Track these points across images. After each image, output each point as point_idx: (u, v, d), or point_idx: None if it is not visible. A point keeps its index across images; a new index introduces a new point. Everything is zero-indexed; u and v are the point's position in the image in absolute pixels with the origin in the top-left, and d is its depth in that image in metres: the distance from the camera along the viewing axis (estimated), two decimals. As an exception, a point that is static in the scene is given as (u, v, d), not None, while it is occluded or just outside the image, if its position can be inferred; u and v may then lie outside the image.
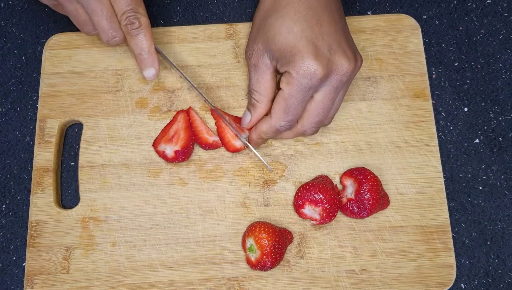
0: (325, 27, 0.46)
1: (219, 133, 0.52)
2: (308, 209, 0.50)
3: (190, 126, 0.52)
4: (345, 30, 0.49)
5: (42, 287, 0.50)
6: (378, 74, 0.55)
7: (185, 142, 0.51)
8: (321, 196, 0.49)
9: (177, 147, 0.51)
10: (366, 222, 0.51)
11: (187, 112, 0.53)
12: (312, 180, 0.51)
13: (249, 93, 0.50)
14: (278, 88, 0.48)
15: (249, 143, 0.52)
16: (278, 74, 0.49)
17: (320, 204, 0.49)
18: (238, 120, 0.53)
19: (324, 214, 0.49)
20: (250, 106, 0.50)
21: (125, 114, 0.54)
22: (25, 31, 0.58)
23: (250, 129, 0.51)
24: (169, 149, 0.51)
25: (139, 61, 0.51)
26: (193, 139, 0.52)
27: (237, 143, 0.52)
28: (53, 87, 0.55)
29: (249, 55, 0.49)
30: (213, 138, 0.52)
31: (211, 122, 0.54)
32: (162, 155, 0.52)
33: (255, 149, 0.52)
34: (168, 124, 0.53)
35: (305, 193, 0.49)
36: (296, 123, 0.49)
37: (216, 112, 0.53)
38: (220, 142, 0.52)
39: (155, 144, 0.52)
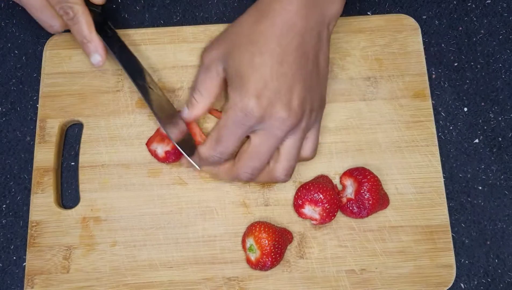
0: (286, 68, 0.45)
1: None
2: (308, 209, 0.50)
3: None
4: (309, 77, 0.46)
5: (42, 287, 0.50)
6: (378, 74, 0.55)
7: None
8: (321, 196, 0.49)
9: (168, 148, 0.51)
10: (366, 222, 0.51)
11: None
12: (312, 180, 0.52)
13: (191, 90, 0.49)
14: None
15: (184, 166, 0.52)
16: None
17: (320, 204, 0.49)
18: None
19: (324, 214, 0.49)
20: (188, 103, 0.49)
21: (125, 114, 0.54)
22: (25, 31, 0.58)
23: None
24: (160, 149, 0.51)
25: (83, 48, 0.51)
26: None
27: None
28: (54, 87, 0.55)
29: (205, 55, 0.49)
30: None
31: (210, 123, 0.54)
32: (154, 154, 0.52)
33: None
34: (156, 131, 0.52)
35: (305, 193, 0.50)
36: (233, 163, 0.48)
37: (214, 110, 0.53)
38: None
39: (148, 143, 0.52)
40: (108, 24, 0.53)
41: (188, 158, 0.49)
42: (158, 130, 0.52)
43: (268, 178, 0.49)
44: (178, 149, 0.50)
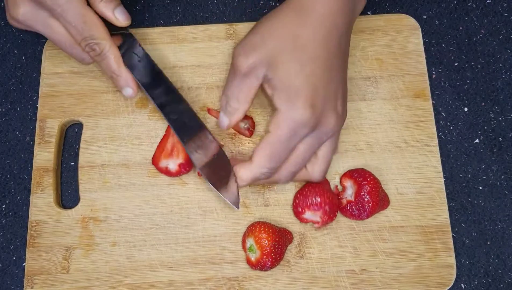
0: (333, 73, 0.45)
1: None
2: (308, 214, 0.50)
3: None
4: (346, 77, 0.47)
5: (42, 287, 0.50)
6: (378, 74, 0.55)
7: (186, 153, 0.51)
8: (319, 199, 0.49)
9: (180, 160, 0.51)
10: (366, 222, 0.51)
11: None
12: (307, 183, 0.51)
13: (226, 98, 0.47)
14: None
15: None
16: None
17: (320, 207, 0.49)
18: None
19: (325, 216, 0.49)
20: (226, 112, 0.47)
21: (125, 114, 0.54)
22: (25, 31, 0.58)
23: None
24: (172, 164, 0.51)
25: (113, 82, 0.50)
26: None
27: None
28: (53, 87, 0.55)
29: (242, 60, 0.45)
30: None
31: (208, 126, 0.54)
32: (165, 171, 0.51)
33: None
34: (162, 139, 0.52)
35: (303, 199, 0.49)
36: None
37: (214, 110, 0.53)
38: (220, 143, 0.52)
39: (155, 162, 0.51)
40: (137, 45, 0.51)
41: (225, 198, 0.48)
42: (159, 146, 0.52)
43: (303, 179, 0.49)
44: (190, 159, 0.49)
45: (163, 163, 0.51)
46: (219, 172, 0.49)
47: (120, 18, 0.48)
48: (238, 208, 0.49)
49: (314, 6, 0.44)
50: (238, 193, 0.48)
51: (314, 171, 0.48)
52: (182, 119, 0.50)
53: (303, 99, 0.43)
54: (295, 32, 0.44)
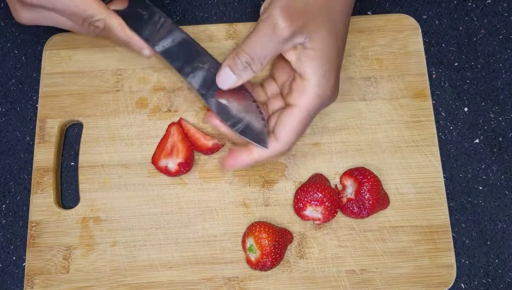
0: (341, 50, 0.45)
1: (190, 137, 0.52)
2: (309, 211, 0.50)
3: (186, 137, 0.52)
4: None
5: (42, 287, 0.50)
6: (378, 74, 0.55)
7: (186, 153, 0.51)
8: (321, 195, 0.49)
9: (180, 159, 0.51)
10: (366, 222, 0.51)
11: (179, 123, 0.53)
12: (307, 180, 0.51)
13: (245, 57, 0.43)
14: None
15: (227, 164, 0.46)
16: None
17: (321, 203, 0.49)
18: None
19: (327, 212, 0.49)
20: (238, 71, 0.44)
21: (125, 114, 0.54)
22: (25, 31, 0.58)
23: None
24: (172, 163, 0.51)
25: (129, 49, 0.49)
26: (193, 149, 0.52)
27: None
28: (53, 87, 0.55)
29: (285, 24, 0.42)
30: (212, 142, 0.52)
31: (208, 126, 0.54)
32: (165, 171, 0.51)
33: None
34: (162, 139, 0.52)
35: (304, 195, 0.49)
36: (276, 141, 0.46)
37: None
38: (219, 143, 0.52)
39: (154, 161, 0.52)
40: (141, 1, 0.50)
41: (255, 143, 0.45)
42: (159, 146, 0.52)
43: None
44: (190, 159, 0.50)
45: (163, 162, 0.51)
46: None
47: None
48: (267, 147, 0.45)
49: None
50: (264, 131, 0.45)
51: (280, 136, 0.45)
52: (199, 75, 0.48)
53: (335, 73, 0.43)
54: (329, 4, 0.44)
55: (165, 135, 0.52)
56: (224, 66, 0.45)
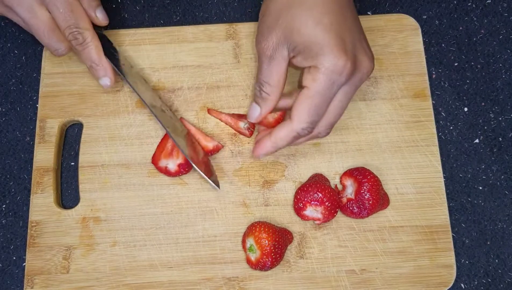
0: (350, 23, 0.45)
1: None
2: (309, 211, 0.50)
3: None
4: (361, 27, 0.47)
5: (42, 287, 0.50)
6: (378, 74, 0.55)
7: None
8: (321, 195, 0.49)
9: (180, 160, 0.51)
10: (366, 222, 0.51)
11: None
12: (307, 180, 0.51)
13: (259, 85, 0.47)
14: (299, 86, 0.47)
15: (256, 153, 0.49)
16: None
17: (321, 203, 0.49)
18: (236, 116, 0.53)
19: (327, 212, 0.49)
20: (259, 100, 0.48)
21: (125, 114, 0.54)
22: (25, 31, 0.58)
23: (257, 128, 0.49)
24: (172, 164, 0.51)
25: (92, 72, 0.51)
26: None
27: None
28: (53, 87, 0.55)
29: (264, 45, 0.46)
30: (213, 143, 0.52)
31: (208, 126, 0.54)
32: (164, 171, 0.51)
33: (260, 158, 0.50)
34: (163, 139, 0.52)
35: (304, 195, 0.49)
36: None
37: (214, 110, 0.53)
38: (220, 144, 0.52)
39: (154, 161, 0.51)
40: (112, 45, 0.54)
41: (208, 179, 0.49)
42: (159, 146, 0.52)
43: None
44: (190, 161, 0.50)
45: (163, 162, 0.51)
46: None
47: (100, 17, 0.51)
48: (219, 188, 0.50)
49: None
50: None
51: (320, 126, 0.46)
52: (168, 118, 0.52)
53: (331, 48, 0.43)
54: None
55: (165, 135, 0.52)
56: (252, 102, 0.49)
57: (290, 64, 0.46)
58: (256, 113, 0.48)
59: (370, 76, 0.55)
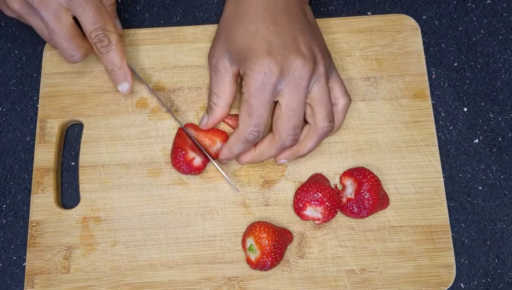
0: (281, 26, 0.46)
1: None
2: (309, 210, 0.50)
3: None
4: (306, 30, 0.48)
5: (43, 287, 0.50)
6: (378, 74, 0.55)
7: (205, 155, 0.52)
8: (320, 195, 0.49)
9: (203, 158, 0.51)
10: (366, 222, 0.51)
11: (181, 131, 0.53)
12: (307, 180, 0.52)
13: (209, 96, 0.51)
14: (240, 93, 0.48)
15: (220, 159, 0.51)
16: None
17: (321, 203, 0.49)
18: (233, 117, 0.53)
19: (326, 212, 0.49)
20: (208, 109, 0.51)
21: (126, 114, 0.54)
22: (25, 31, 0.59)
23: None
24: (198, 158, 0.51)
25: (112, 77, 0.51)
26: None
27: (197, 161, 0.51)
28: (54, 87, 0.55)
29: (210, 57, 0.50)
30: (216, 147, 0.52)
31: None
32: (188, 162, 0.50)
33: (221, 166, 0.51)
34: (179, 134, 0.52)
35: (304, 195, 0.50)
36: (273, 135, 0.48)
37: (185, 131, 0.52)
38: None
39: (181, 152, 0.51)
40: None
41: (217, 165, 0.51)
42: (179, 137, 0.52)
43: (314, 136, 0.48)
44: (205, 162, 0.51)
45: (191, 154, 0.51)
46: None
47: (118, 26, 0.53)
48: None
49: None
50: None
51: (316, 121, 0.47)
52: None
53: (258, 52, 0.45)
54: (236, 9, 0.48)
55: (179, 132, 0.52)
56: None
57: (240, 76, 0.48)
58: (204, 122, 0.51)
59: (370, 76, 0.55)
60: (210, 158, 0.51)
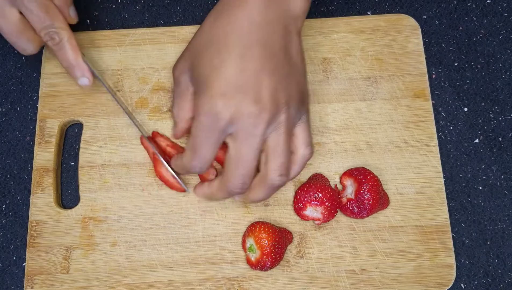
0: (248, 62, 0.42)
1: (153, 163, 0.52)
2: (309, 211, 0.50)
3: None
4: (278, 70, 0.43)
5: (42, 287, 0.50)
6: (378, 74, 0.55)
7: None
8: (320, 195, 0.49)
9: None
10: (366, 222, 0.51)
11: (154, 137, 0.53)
12: (307, 180, 0.52)
13: (171, 106, 0.50)
14: None
15: (195, 192, 0.49)
16: None
17: (321, 203, 0.49)
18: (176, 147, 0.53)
19: (327, 212, 0.49)
20: (172, 119, 0.49)
21: (125, 114, 0.54)
22: (25, 31, 0.58)
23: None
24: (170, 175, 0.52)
25: (69, 72, 0.51)
26: None
27: (169, 176, 0.51)
28: (53, 87, 0.55)
29: (174, 68, 0.47)
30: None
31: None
32: (170, 186, 0.52)
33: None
34: (155, 163, 0.52)
35: (304, 195, 0.49)
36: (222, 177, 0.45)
37: (147, 142, 0.52)
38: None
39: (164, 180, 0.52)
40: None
41: (178, 178, 0.51)
42: (157, 162, 0.52)
43: (263, 185, 0.44)
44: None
45: (166, 174, 0.52)
46: None
47: (72, 15, 0.51)
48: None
49: (230, 4, 0.43)
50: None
51: (266, 170, 0.43)
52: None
53: (213, 89, 0.42)
54: (210, 30, 0.44)
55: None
56: None
57: None
58: (172, 132, 0.49)
59: (370, 76, 0.55)
60: (162, 159, 0.50)
